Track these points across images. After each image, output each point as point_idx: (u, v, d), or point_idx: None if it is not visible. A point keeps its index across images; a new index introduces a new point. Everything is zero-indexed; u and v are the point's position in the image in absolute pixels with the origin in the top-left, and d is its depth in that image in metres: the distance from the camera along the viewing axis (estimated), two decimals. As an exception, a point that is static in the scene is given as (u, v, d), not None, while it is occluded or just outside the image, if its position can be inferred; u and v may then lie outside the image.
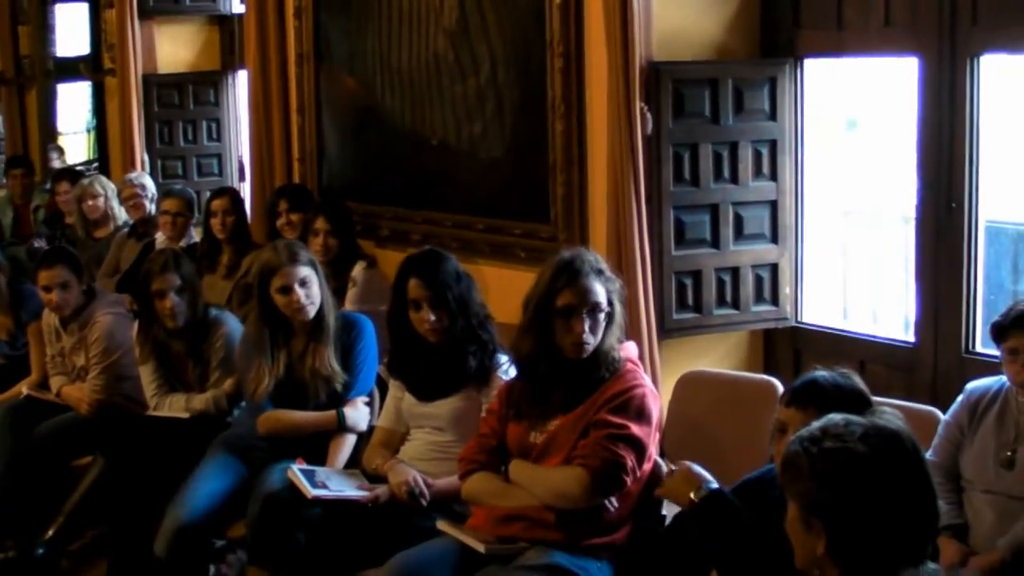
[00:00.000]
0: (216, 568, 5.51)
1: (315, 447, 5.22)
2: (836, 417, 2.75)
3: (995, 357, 5.14)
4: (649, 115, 5.57)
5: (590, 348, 4.31)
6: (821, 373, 3.65)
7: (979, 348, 5.33)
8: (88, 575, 6.01)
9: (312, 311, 5.27)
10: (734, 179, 5.84)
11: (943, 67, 5.23)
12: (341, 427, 5.27)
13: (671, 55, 5.73)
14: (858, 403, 3.51)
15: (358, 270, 6.78)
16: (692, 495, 3.73)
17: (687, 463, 3.86)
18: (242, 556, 5.35)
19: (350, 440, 5.30)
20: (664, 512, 4.44)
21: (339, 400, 5.31)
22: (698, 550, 3.79)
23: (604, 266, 4.41)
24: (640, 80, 5.53)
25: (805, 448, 2.69)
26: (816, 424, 2.75)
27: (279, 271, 5.24)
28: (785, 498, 2.80)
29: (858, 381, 3.66)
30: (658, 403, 4.42)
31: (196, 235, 8.05)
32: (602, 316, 4.32)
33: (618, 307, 4.38)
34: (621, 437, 4.21)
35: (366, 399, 5.37)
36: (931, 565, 2.68)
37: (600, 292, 4.31)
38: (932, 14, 5.25)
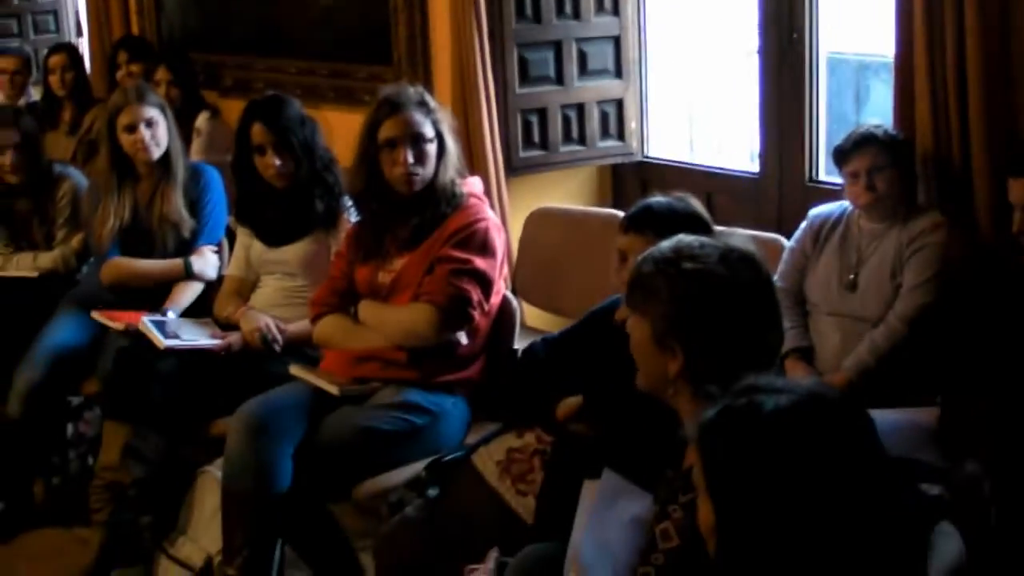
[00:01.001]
0: (74, 427, 5.49)
1: (162, 298, 5.17)
2: (688, 239, 2.76)
3: (837, 185, 5.16)
4: (489, -49, 5.50)
5: (419, 180, 4.30)
6: (656, 198, 3.69)
7: (822, 177, 5.39)
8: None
9: (156, 153, 5.21)
10: (576, 15, 5.81)
11: None
12: (188, 275, 5.23)
13: None
14: (695, 225, 3.52)
15: (202, 120, 6.72)
16: None
17: None
18: (99, 412, 5.30)
19: (195, 286, 5.26)
20: (516, 346, 4.48)
21: (187, 249, 5.26)
22: (549, 379, 3.83)
23: (428, 97, 4.38)
24: (481, -88, 5.45)
25: (661, 269, 2.70)
26: (667, 245, 2.75)
27: (125, 109, 5.18)
28: (622, 324, 2.84)
29: (694, 203, 3.69)
30: (503, 236, 4.43)
31: (36, 94, 7.86)
32: (429, 147, 4.30)
33: (449, 140, 4.36)
34: (465, 271, 4.22)
35: (214, 248, 5.33)
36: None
37: (423, 123, 4.29)
38: None
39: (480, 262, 4.25)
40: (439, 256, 4.25)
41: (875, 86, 6.95)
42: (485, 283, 4.26)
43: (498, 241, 4.34)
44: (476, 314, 4.24)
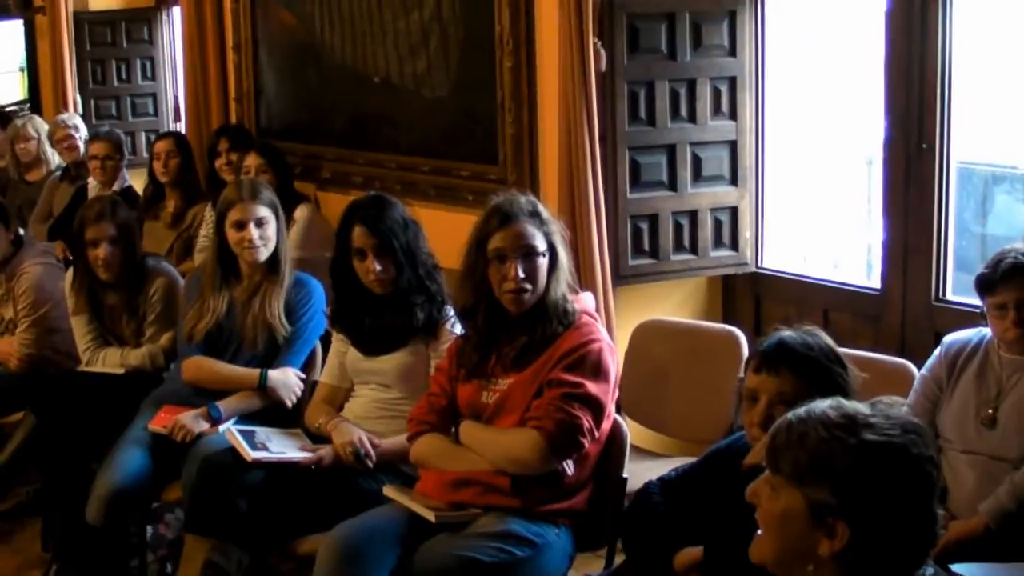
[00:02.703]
0: (154, 528, 5.27)
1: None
2: (850, 403, 2.44)
3: (966, 306, 4.99)
4: (603, 51, 5.35)
5: (529, 296, 4.08)
6: (787, 333, 3.43)
7: (949, 296, 5.14)
8: (21, 535, 5.80)
9: (264, 254, 5.07)
10: (692, 118, 5.63)
11: (913, 1, 5.00)
12: (261, 387, 5.02)
13: (626, -12, 5.49)
14: (831, 362, 3.35)
15: (300, 211, 6.60)
16: None
17: None
18: (180, 515, 5.10)
19: (256, 403, 5.04)
20: (626, 475, 4.22)
21: (273, 358, 5.07)
22: (666, 525, 3.57)
23: (541, 208, 4.17)
24: (593, 14, 5.30)
25: (836, 437, 2.38)
26: (830, 408, 2.42)
27: (236, 205, 5.06)
28: (751, 471, 2.55)
29: (826, 338, 3.44)
30: (615, 358, 4.18)
31: (130, 178, 7.78)
32: (541, 261, 4.08)
33: (561, 252, 4.14)
34: (577, 396, 3.98)
35: (298, 372, 5.12)
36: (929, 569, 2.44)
37: (535, 235, 4.08)
38: (901, -55, 5.02)
39: (593, 386, 4.00)
40: (549, 379, 4.02)
41: (999, 197, 6.66)
42: (597, 409, 4.01)
43: (611, 363, 4.09)
44: (587, 442, 3.98)
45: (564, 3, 5.34)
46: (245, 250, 5.05)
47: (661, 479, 3.77)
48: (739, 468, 3.32)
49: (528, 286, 4.06)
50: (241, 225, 5.03)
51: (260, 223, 5.06)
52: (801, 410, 2.45)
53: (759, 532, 2.49)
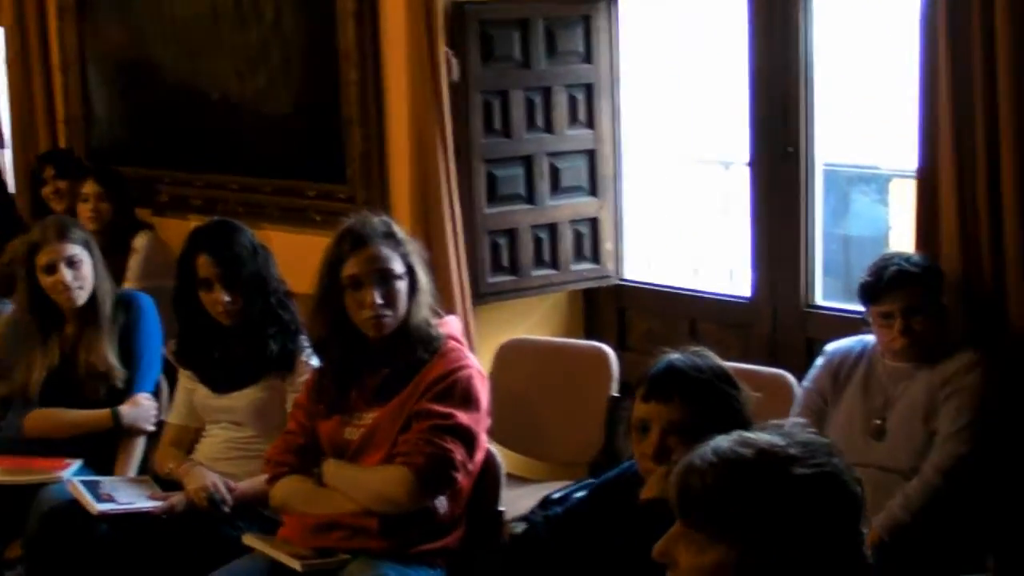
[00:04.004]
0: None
1: (99, 450, 4.70)
2: (761, 436, 2.23)
3: (836, 311, 4.92)
4: (455, 60, 5.17)
5: (390, 322, 3.87)
6: (676, 356, 3.22)
7: (819, 301, 5.05)
8: None
9: (82, 296, 4.77)
10: (548, 128, 5.45)
11: (775, 2, 4.90)
12: (117, 428, 4.73)
13: (476, -6, 5.32)
14: (724, 383, 3.15)
15: (140, 239, 6.30)
16: None
17: None
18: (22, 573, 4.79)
19: (139, 442, 4.78)
20: (502, 508, 4.01)
21: (121, 397, 4.79)
22: (554, 566, 3.36)
23: (396, 228, 3.98)
24: (443, 22, 5.12)
25: (763, 481, 2.18)
26: (737, 446, 2.21)
27: (44, 247, 4.75)
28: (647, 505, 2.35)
29: (716, 359, 3.25)
30: (486, 384, 3.98)
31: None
32: (399, 284, 3.88)
33: (421, 274, 3.95)
34: (447, 428, 3.78)
35: (149, 395, 4.84)
36: None
37: (390, 257, 3.88)
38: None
39: (463, 416, 3.80)
40: (417, 410, 3.81)
41: (856, 198, 6.62)
42: (469, 440, 3.81)
43: (482, 391, 3.90)
44: (460, 476, 3.78)
45: (412, 12, 5.15)
46: (60, 295, 4.75)
47: (546, 516, 3.56)
48: (632, 501, 3.13)
49: (388, 312, 3.85)
50: (52, 268, 4.73)
51: (72, 263, 4.75)
52: (707, 454, 2.24)
53: None
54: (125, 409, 4.75)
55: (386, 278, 3.86)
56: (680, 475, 2.26)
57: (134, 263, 6.14)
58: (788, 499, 2.16)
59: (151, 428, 4.79)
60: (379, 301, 3.84)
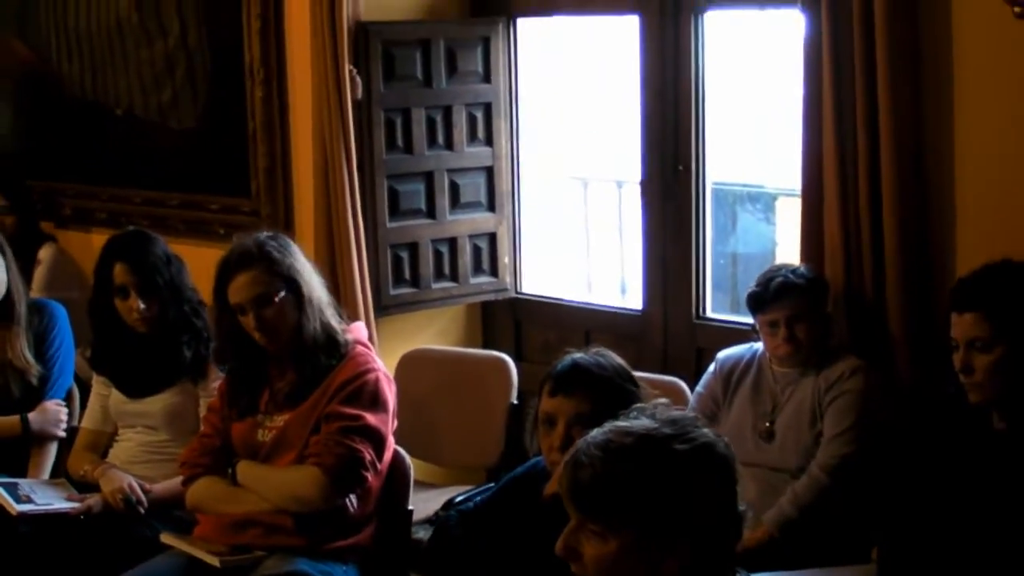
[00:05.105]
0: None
1: (9, 456, 4.73)
2: (632, 423, 2.40)
3: (725, 322, 5.09)
4: (358, 78, 5.27)
5: (278, 339, 4.01)
6: (579, 355, 3.42)
7: (709, 313, 5.23)
8: None
9: None
10: (449, 145, 5.57)
11: (665, 25, 5.07)
12: (26, 434, 4.76)
13: (380, 15, 5.42)
14: (624, 380, 3.37)
15: (45, 251, 6.32)
16: None
17: None
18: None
19: (51, 447, 4.82)
20: (411, 507, 4.16)
21: (35, 396, 4.82)
22: (467, 560, 3.50)
23: (274, 244, 4.05)
24: (348, 41, 5.21)
25: (648, 460, 2.34)
26: (615, 435, 2.38)
27: None
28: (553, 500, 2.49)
29: (617, 358, 3.46)
30: (393, 387, 4.12)
31: None
32: (279, 304, 3.98)
33: (308, 285, 4.03)
34: (356, 429, 3.91)
35: (59, 402, 4.87)
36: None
37: (264, 281, 3.98)
38: (650, -30, 5.08)
39: (372, 418, 3.94)
40: (327, 413, 3.94)
41: (743, 216, 6.82)
42: (378, 441, 3.95)
43: (389, 393, 4.05)
44: (369, 475, 3.92)
45: (317, 30, 5.24)
46: None
47: (460, 510, 3.71)
48: (539, 495, 3.29)
49: (271, 334, 4.00)
50: None
51: None
52: (588, 447, 2.39)
53: None
54: (34, 416, 4.77)
55: (263, 303, 3.97)
56: (568, 471, 2.41)
57: (39, 275, 6.16)
58: (674, 475, 2.33)
59: (61, 434, 4.82)
60: (261, 327, 3.97)
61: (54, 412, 4.84)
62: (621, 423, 2.43)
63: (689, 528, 2.33)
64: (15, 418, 4.78)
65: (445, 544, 3.62)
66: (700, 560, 2.34)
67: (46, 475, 4.74)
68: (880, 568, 3.68)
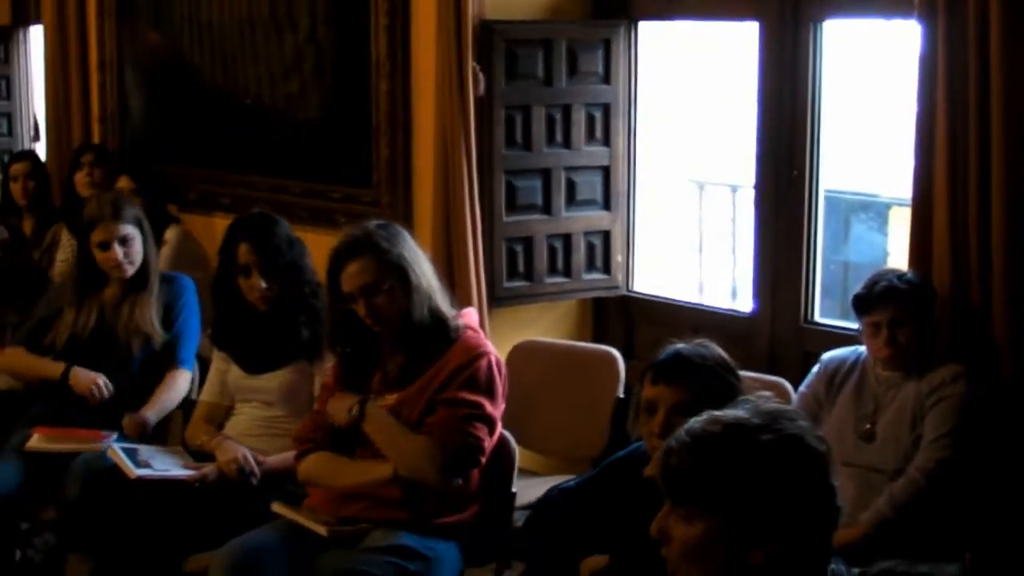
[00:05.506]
0: (22, 553, 5.16)
1: (110, 412, 4.95)
2: (729, 413, 2.45)
3: (833, 327, 5.14)
4: (481, 76, 5.37)
5: (391, 325, 4.12)
6: (682, 345, 3.49)
7: (817, 318, 5.26)
8: None
9: (131, 270, 5.06)
10: (567, 143, 5.67)
11: (784, 32, 5.12)
12: (64, 379, 5.00)
13: (504, 14, 5.53)
14: (725, 372, 3.42)
15: (171, 232, 6.54)
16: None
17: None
18: (50, 539, 5.01)
19: (179, 389, 5.08)
20: (514, 489, 4.26)
21: (156, 359, 5.06)
22: (569, 535, 3.60)
23: (383, 234, 4.15)
24: (472, 38, 5.32)
25: (736, 451, 2.39)
26: (709, 425, 2.43)
27: (99, 225, 5.02)
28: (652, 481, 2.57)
29: (719, 349, 3.52)
30: (504, 369, 4.23)
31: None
32: (389, 294, 4.09)
33: (417, 272, 4.13)
34: (477, 416, 4.03)
35: (190, 373, 5.08)
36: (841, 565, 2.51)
37: (372, 270, 4.09)
38: (773, -23, 5.14)
39: (490, 406, 4.07)
40: (446, 398, 4.05)
41: (856, 225, 6.85)
42: (492, 426, 4.09)
43: (499, 377, 4.15)
44: (483, 460, 4.05)
45: (443, 27, 5.36)
46: (112, 269, 5.03)
47: (561, 488, 3.81)
48: (639, 477, 3.37)
49: (382, 322, 4.11)
50: (105, 245, 5.01)
51: (125, 241, 5.03)
52: (681, 435, 2.46)
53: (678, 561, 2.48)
54: (77, 369, 4.98)
55: (371, 293, 4.09)
56: (661, 458, 2.49)
57: (165, 255, 6.32)
58: (758, 464, 2.38)
59: (92, 396, 4.95)
60: (371, 315, 4.09)
61: (85, 377, 4.98)
62: (717, 412, 2.48)
63: (775, 518, 2.38)
64: (60, 365, 5.01)
65: (547, 518, 3.72)
66: (791, 551, 2.39)
67: (164, 406, 5.02)
68: (971, 568, 3.72)
